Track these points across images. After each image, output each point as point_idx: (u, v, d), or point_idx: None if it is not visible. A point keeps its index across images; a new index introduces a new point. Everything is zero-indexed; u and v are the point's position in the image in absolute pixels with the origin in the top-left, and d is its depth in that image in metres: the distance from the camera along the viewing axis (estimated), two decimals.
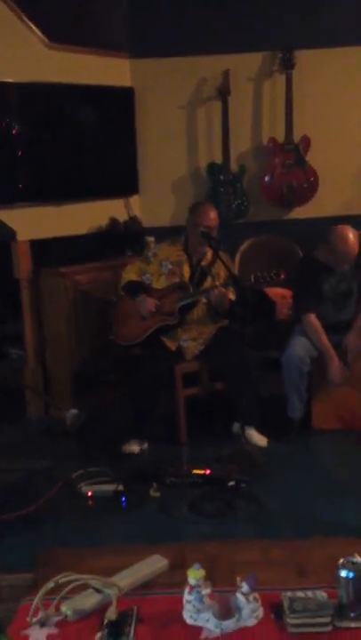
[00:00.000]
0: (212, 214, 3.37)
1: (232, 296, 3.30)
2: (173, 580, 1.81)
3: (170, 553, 1.97)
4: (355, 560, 1.62)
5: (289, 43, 4.17)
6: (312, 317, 3.37)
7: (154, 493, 2.87)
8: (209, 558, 1.91)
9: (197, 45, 4.24)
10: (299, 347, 3.34)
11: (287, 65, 4.16)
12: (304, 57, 4.19)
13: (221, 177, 4.29)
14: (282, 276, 3.17)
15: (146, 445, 3.33)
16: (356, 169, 4.42)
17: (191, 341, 3.42)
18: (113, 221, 4.16)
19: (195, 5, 4.20)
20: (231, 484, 2.86)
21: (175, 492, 2.88)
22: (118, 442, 3.32)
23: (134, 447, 3.28)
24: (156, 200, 4.42)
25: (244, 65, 4.27)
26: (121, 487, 2.86)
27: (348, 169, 4.41)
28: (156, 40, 4.24)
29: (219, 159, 4.30)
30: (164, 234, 3.95)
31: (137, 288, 3.42)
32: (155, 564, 1.85)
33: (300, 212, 4.41)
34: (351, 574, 1.60)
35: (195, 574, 1.68)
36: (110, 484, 2.90)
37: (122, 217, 4.25)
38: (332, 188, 4.35)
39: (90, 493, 2.86)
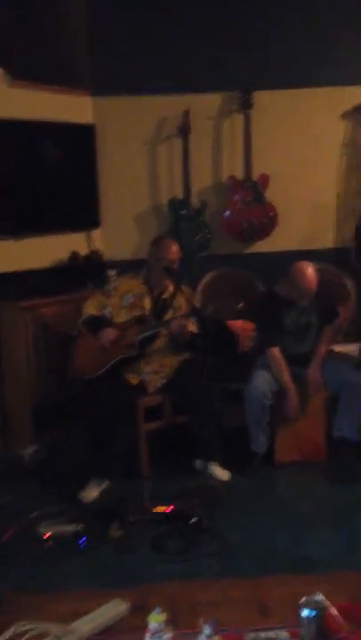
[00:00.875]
0: (174, 248, 3.40)
1: (193, 328, 3.31)
2: (135, 624, 1.76)
3: (131, 596, 1.92)
4: (317, 598, 1.61)
5: (247, 84, 4.30)
6: (276, 351, 3.42)
7: (115, 533, 2.81)
8: (171, 600, 1.87)
9: (158, 85, 4.33)
10: (261, 380, 3.37)
11: (245, 105, 4.28)
12: (262, 98, 4.32)
13: (183, 212, 4.35)
14: (241, 307, 3.20)
15: (106, 483, 3.26)
16: (313, 205, 4.54)
17: (153, 374, 3.41)
18: (74, 255, 4.15)
19: (156, 45, 4.31)
20: (194, 520, 2.83)
21: (137, 531, 2.82)
22: (78, 479, 3.25)
23: (92, 493, 3.19)
24: (117, 234, 4.45)
25: (204, 105, 4.38)
26: (81, 527, 2.79)
27: (305, 205, 4.53)
28: (118, 78, 4.32)
29: (180, 195, 4.36)
30: (125, 267, 3.97)
31: (98, 322, 3.40)
32: (115, 608, 1.80)
33: (260, 247, 4.49)
34: (313, 613, 1.59)
35: (156, 619, 1.64)
36: (70, 523, 2.83)
37: (83, 250, 4.26)
38: (290, 224, 4.45)
39: (48, 534, 2.77)
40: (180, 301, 3.43)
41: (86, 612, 1.80)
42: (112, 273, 4.14)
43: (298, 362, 3.46)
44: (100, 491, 3.22)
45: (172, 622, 1.71)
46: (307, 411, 3.46)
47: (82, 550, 2.70)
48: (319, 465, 3.46)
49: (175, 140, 4.38)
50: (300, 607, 1.61)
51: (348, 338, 3.95)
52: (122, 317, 3.40)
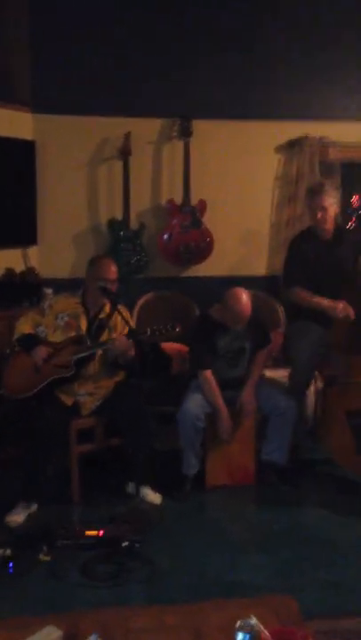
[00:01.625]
0: (112, 268, 3.38)
1: (131, 352, 3.31)
2: None
3: (62, 622, 1.88)
4: (251, 622, 1.64)
5: (187, 112, 4.41)
6: (208, 374, 3.47)
7: (44, 557, 2.75)
8: (103, 626, 1.84)
9: (100, 106, 4.37)
10: (193, 403, 3.40)
11: (185, 133, 4.39)
12: (201, 126, 4.45)
13: (121, 233, 4.37)
14: (177, 329, 3.22)
15: (35, 507, 3.18)
16: (247, 233, 4.69)
17: (88, 396, 3.37)
18: (9, 271, 4.08)
19: (100, 66, 4.35)
20: (125, 544, 2.81)
21: (67, 556, 2.77)
22: (6, 503, 3.15)
23: (18, 517, 3.10)
24: (55, 252, 4.41)
25: (145, 129, 4.46)
26: (8, 552, 2.71)
27: (241, 232, 4.67)
28: (60, 97, 4.33)
29: (119, 216, 4.39)
30: (62, 286, 3.93)
31: (31, 341, 3.34)
32: (48, 636, 1.76)
33: (196, 271, 4.58)
34: (247, 637, 1.62)
35: None
36: None
37: (19, 267, 4.18)
38: (225, 250, 4.58)
39: None
40: (117, 322, 3.43)
41: None
42: (48, 291, 4.08)
43: (230, 386, 3.52)
44: (27, 514, 3.13)
45: None
46: (237, 435, 3.53)
47: (10, 576, 2.62)
48: (248, 488, 3.52)
49: (115, 162, 4.42)
50: (235, 631, 1.64)
51: (277, 363, 4.08)
52: (57, 337, 3.35)
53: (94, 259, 3.51)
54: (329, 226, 3.55)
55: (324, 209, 3.49)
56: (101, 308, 3.42)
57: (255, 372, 3.57)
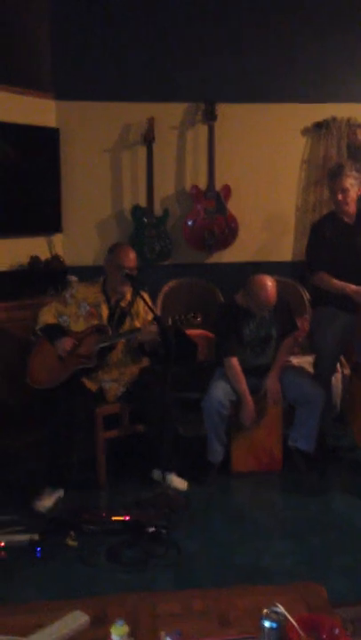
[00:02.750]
0: (132, 255, 3.36)
1: (156, 337, 3.30)
2: (96, 636, 1.73)
3: (89, 607, 1.89)
4: (277, 610, 1.63)
5: (212, 96, 4.35)
6: (234, 361, 3.44)
7: (71, 542, 2.78)
8: (130, 611, 1.85)
9: (124, 92, 4.34)
10: (219, 390, 3.39)
11: (210, 117, 4.33)
12: (225, 110, 4.38)
13: (145, 220, 4.35)
14: (198, 319, 3.19)
15: (62, 493, 3.21)
16: (272, 218, 4.63)
17: (113, 383, 3.39)
18: (34, 259, 4.09)
19: (122, 52, 4.31)
20: (151, 530, 2.82)
21: (94, 541, 2.80)
22: (33, 488, 3.19)
23: (47, 502, 3.13)
24: (79, 239, 4.42)
25: (169, 114, 4.40)
26: (36, 537, 2.75)
27: (266, 217, 4.61)
28: (83, 83, 4.31)
29: (143, 202, 4.36)
30: (86, 273, 3.94)
31: (55, 331, 3.35)
32: (75, 620, 1.77)
33: (220, 257, 4.54)
34: (274, 624, 1.60)
35: (118, 631, 1.62)
36: (25, 533, 2.78)
37: (44, 255, 4.20)
38: (250, 236, 4.53)
39: (2, 544, 2.71)
40: (138, 309, 3.42)
41: (45, 625, 1.77)
42: (73, 278, 4.09)
43: (257, 373, 3.50)
44: (55, 500, 3.17)
45: (133, 634, 1.69)
46: (263, 421, 3.50)
47: (37, 560, 2.65)
48: (275, 475, 3.51)
49: (139, 148, 4.39)
50: (261, 618, 1.63)
51: (304, 350, 4.03)
52: (80, 326, 3.36)
53: (114, 246, 3.48)
54: (351, 209, 3.48)
55: (345, 190, 3.41)
56: (123, 296, 3.41)
57: (280, 359, 3.54)
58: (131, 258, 3.34)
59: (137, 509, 3.02)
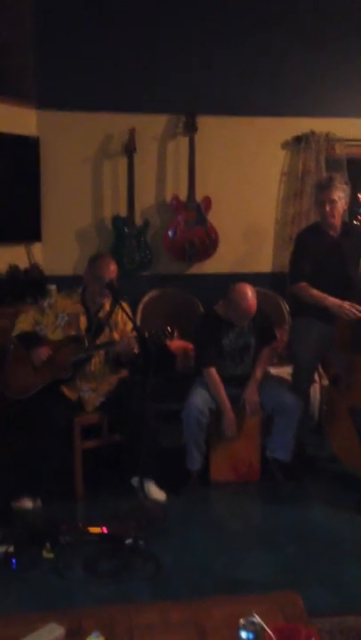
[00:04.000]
0: (112, 267, 3.34)
1: (136, 349, 3.29)
2: None
3: (64, 619, 1.86)
4: (254, 620, 1.63)
5: (193, 108, 4.39)
6: (212, 371, 3.45)
7: (47, 554, 2.74)
8: (106, 624, 1.83)
9: (105, 102, 4.36)
10: (198, 398, 3.39)
11: (190, 129, 4.37)
12: (206, 122, 4.42)
13: (126, 230, 4.36)
14: (174, 333, 3.18)
15: (39, 502, 3.18)
16: (252, 230, 4.67)
17: (91, 392, 3.37)
18: (13, 268, 4.07)
19: (104, 63, 4.34)
20: (129, 541, 2.79)
21: (70, 552, 2.76)
22: (8, 499, 3.15)
23: (26, 503, 3.13)
24: (59, 248, 4.40)
25: (150, 125, 4.44)
26: (11, 549, 2.70)
27: (246, 228, 4.65)
28: (65, 93, 4.32)
29: (123, 212, 4.37)
30: (66, 283, 3.92)
31: (32, 339, 3.33)
32: (50, 633, 1.74)
33: (201, 268, 4.56)
34: (251, 635, 1.60)
35: None
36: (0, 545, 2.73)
37: (23, 264, 4.18)
38: (231, 246, 4.56)
39: None
40: (117, 319, 3.41)
41: (20, 637, 1.74)
42: (52, 288, 4.07)
43: (236, 383, 3.51)
44: (32, 506, 3.14)
45: None
46: (242, 431, 3.51)
47: (13, 572, 2.61)
48: (253, 485, 3.51)
49: (120, 158, 4.41)
50: (238, 629, 1.62)
51: (282, 360, 4.06)
52: (57, 335, 3.33)
53: (94, 257, 3.45)
54: (337, 221, 3.52)
55: (332, 202, 3.46)
56: (101, 307, 3.39)
57: (259, 370, 3.55)
58: (111, 269, 3.33)
59: (114, 521, 2.99)
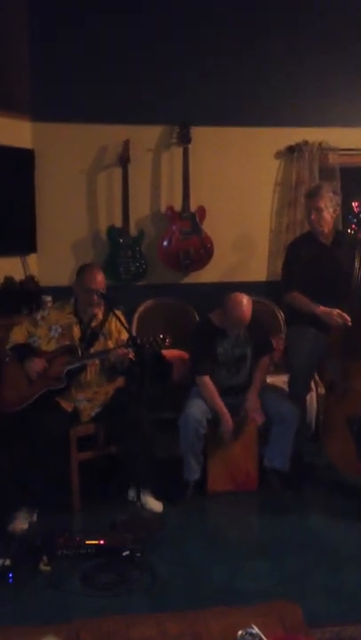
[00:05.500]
0: (99, 277, 3.31)
1: (131, 355, 3.28)
2: None
3: (62, 632, 1.85)
4: (253, 631, 1.62)
5: (186, 119, 4.42)
6: (206, 379, 3.45)
7: (44, 567, 2.72)
8: (104, 636, 1.82)
9: (99, 114, 4.38)
10: (196, 409, 3.38)
11: (184, 139, 4.39)
12: (200, 133, 4.45)
13: (121, 240, 4.37)
14: (167, 342, 3.18)
15: (35, 516, 3.16)
16: (246, 239, 4.69)
17: (87, 402, 3.35)
18: (8, 280, 4.07)
19: (97, 75, 4.36)
20: (126, 553, 2.78)
21: (67, 565, 2.75)
22: (5, 512, 3.13)
23: (21, 524, 3.08)
24: (54, 259, 4.41)
25: (144, 136, 4.46)
26: (8, 562, 2.68)
27: (240, 238, 4.67)
28: (59, 105, 4.34)
29: (118, 223, 4.38)
30: (61, 294, 3.90)
31: (25, 351, 3.32)
32: None
33: (196, 277, 4.57)
34: None
35: None
36: None
37: (18, 275, 4.18)
38: (225, 256, 4.57)
39: None
40: (111, 328, 3.40)
41: None
42: (48, 299, 4.07)
43: (232, 393, 3.50)
44: (28, 522, 3.11)
45: None
46: (239, 441, 3.50)
47: (10, 586, 2.59)
48: (251, 494, 3.50)
49: (115, 169, 4.42)
50: None
51: (278, 369, 4.06)
52: (51, 347, 3.33)
53: (81, 268, 3.42)
54: (325, 229, 3.54)
55: (318, 210, 3.48)
56: (93, 316, 3.38)
57: (258, 379, 3.55)
58: (98, 280, 3.30)
59: (111, 533, 2.97)
